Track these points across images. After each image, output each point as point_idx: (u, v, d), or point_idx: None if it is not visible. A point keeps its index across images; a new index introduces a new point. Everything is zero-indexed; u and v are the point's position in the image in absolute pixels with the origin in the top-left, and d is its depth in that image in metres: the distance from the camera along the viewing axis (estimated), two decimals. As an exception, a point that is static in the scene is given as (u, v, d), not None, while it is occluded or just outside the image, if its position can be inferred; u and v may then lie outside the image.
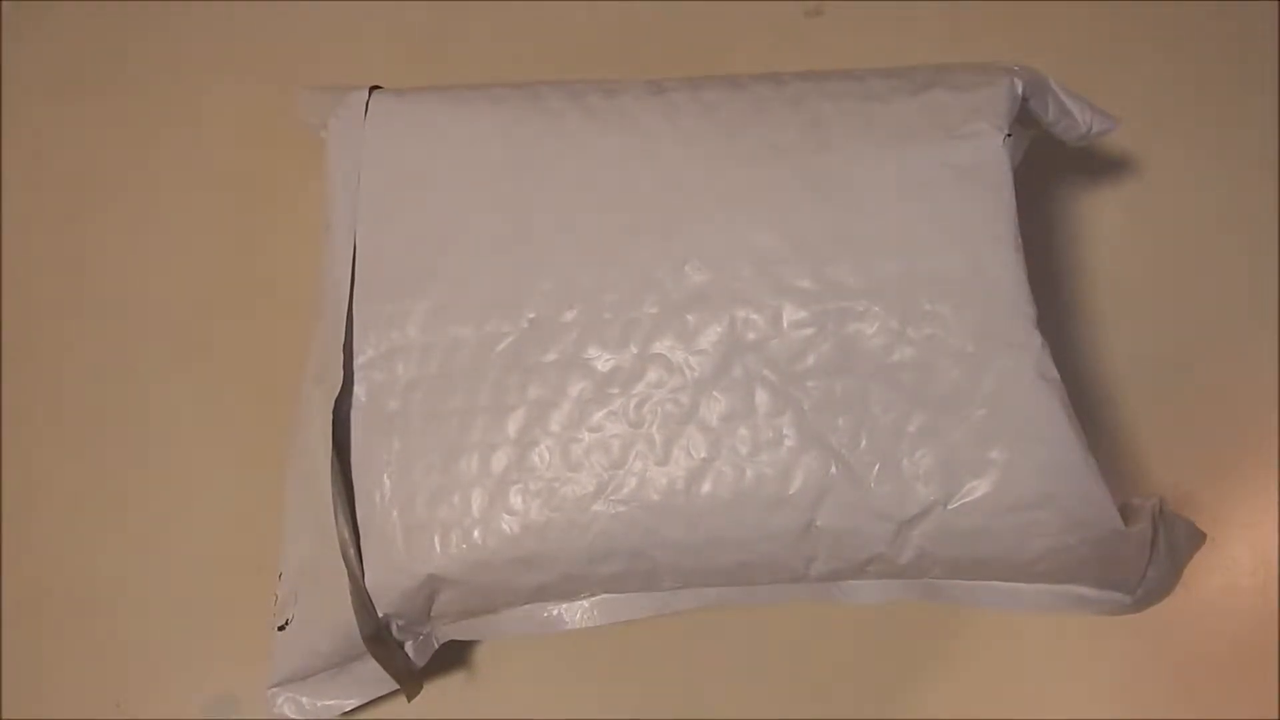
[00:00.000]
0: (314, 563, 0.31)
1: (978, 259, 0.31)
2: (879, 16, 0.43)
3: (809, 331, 0.30)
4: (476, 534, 0.30)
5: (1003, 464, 0.29)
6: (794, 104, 0.33)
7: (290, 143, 0.41)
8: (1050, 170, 0.40)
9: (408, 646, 0.32)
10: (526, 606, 0.32)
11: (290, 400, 0.34)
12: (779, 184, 0.32)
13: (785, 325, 0.31)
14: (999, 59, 0.34)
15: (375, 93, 0.34)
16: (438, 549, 0.30)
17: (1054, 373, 0.30)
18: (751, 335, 0.31)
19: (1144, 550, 0.31)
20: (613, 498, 0.30)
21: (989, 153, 0.31)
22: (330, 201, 0.33)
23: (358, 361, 0.31)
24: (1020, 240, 0.31)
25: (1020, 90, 0.33)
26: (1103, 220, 0.40)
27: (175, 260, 0.40)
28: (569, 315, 0.31)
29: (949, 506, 0.29)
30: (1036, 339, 0.30)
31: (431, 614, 0.31)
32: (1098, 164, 0.41)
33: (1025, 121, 0.34)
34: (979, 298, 0.30)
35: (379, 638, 0.31)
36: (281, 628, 0.32)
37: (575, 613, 0.32)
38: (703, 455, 0.30)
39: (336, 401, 0.31)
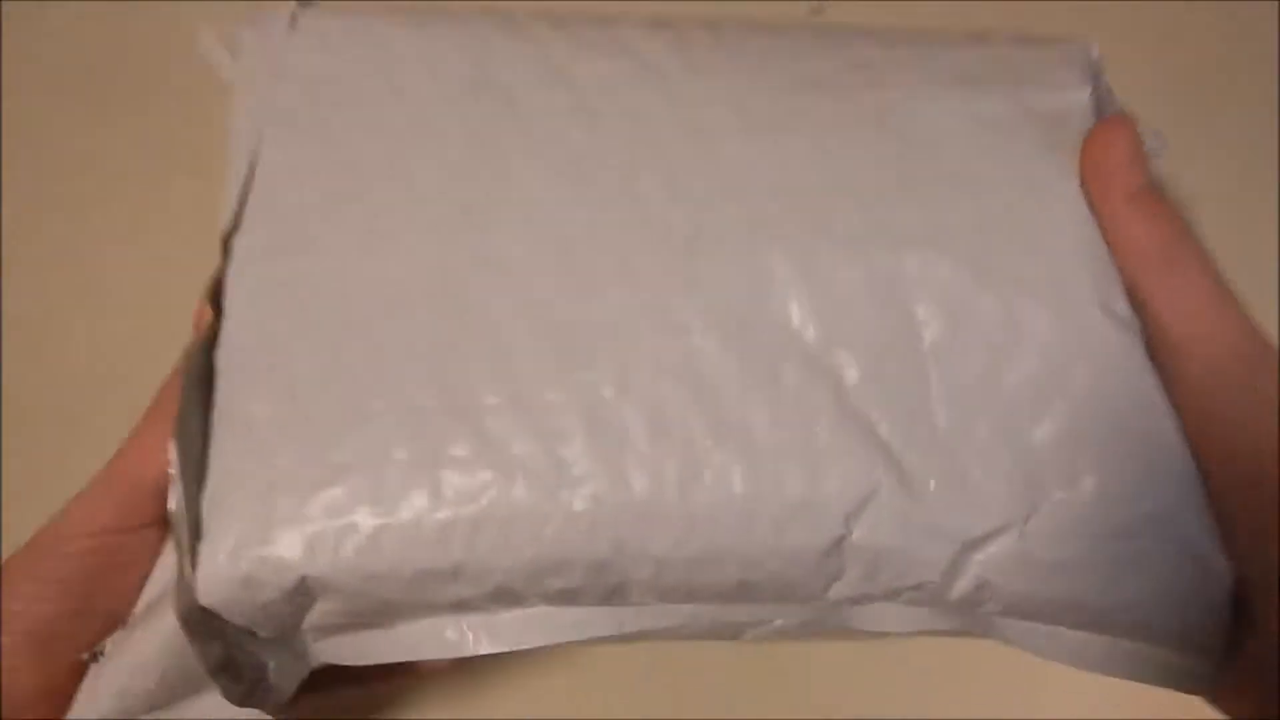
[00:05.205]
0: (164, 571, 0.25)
1: (1061, 218, 0.25)
2: (880, 16, 0.43)
3: (853, 290, 0.24)
4: (373, 535, 0.22)
5: (1100, 476, 0.23)
6: (836, 46, 0.28)
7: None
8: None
9: (269, 667, 0.24)
10: (428, 620, 0.24)
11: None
12: (819, 117, 0.26)
13: (821, 280, 0.24)
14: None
15: (306, 6, 0.28)
16: (316, 550, 0.22)
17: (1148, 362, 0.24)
18: (778, 291, 0.24)
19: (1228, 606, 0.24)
20: (573, 493, 0.23)
21: (1075, 104, 0.27)
22: (232, 141, 0.27)
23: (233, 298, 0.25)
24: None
25: (1097, 55, 0.28)
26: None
27: (177, 259, 0.40)
28: (541, 261, 0.24)
29: (1028, 527, 0.23)
30: (1135, 321, 0.24)
31: (304, 627, 0.24)
32: (1098, 163, 0.41)
33: None
34: (1066, 263, 0.25)
35: (199, 622, 0.22)
36: (93, 658, 0.24)
37: (498, 629, 0.24)
38: (706, 444, 0.23)
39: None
